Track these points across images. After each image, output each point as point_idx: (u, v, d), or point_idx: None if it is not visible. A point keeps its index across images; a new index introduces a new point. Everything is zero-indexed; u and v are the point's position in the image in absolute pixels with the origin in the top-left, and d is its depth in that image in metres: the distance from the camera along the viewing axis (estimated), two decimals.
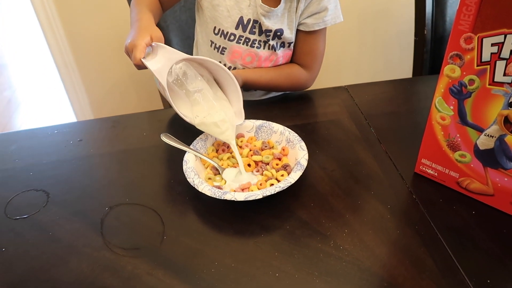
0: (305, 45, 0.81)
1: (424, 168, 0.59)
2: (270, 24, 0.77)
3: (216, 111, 0.62)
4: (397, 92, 0.85)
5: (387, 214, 0.55)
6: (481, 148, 0.51)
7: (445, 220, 0.54)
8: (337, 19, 0.79)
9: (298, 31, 0.80)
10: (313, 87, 0.85)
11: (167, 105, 1.03)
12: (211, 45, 0.82)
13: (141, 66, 0.62)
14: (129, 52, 0.64)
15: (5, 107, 2.28)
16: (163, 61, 0.59)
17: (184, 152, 0.60)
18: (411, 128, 0.70)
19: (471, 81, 0.48)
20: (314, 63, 0.81)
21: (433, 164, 0.57)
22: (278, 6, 0.76)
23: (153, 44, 0.62)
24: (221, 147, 0.63)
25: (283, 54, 0.82)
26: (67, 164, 0.66)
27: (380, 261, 0.49)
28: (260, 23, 0.77)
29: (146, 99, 1.56)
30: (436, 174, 0.58)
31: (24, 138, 0.72)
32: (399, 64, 1.57)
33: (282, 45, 0.80)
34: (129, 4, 0.96)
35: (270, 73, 0.80)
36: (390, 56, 1.64)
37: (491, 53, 0.44)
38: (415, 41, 1.14)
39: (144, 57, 0.60)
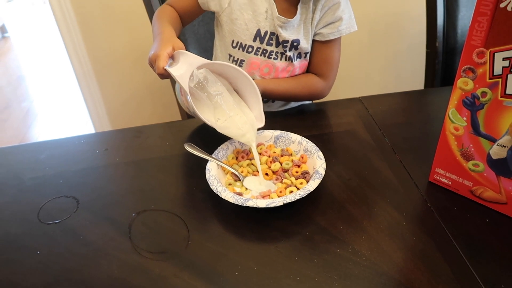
0: (321, 54, 0.84)
1: (438, 177, 0.61)
2: (287, 35, 0.80)
3: (237, 113, 0.64)
4: (410, 103, 0.87)
5: (403, 221, 0.57)
6: (494, 157, 0.53)
7: (459, 227, 0.55)
8: (351, 28, 0.82)
9: (313, 41, 0.83)
10: (328, 98, 0.88)
11: (185, 116, 1.06)
12: (229, 58, 0.85)
13: (164, 75, 0.66)
14: (152, 62, 0.67)
15: (23, 118, 2.35)
16: (185, 67, 0.62)
17: (206, 160, 0.63)
18: (424, 138, 0.72)
19: (484, 94, 0.50)
20: (330, 72, 0.84)
21: (447, 173, 0.59)
22: (294, 17, 0.79)
23: (174, 52, 0.66)
24: (241, 154, 0.66)
25: (299, 65, 0.84)
26: (95, 171, 0.69)
27: (397, 265, 0.51)
28: (277, 34, 0.80)
29: (162, 110, 1.61)
30: (450, 183, 0.60)
31: (53, 147, 0.76)
32: (411, 76, 1.59)
33: (299, 56, 0.83)
34: (150, 19, 1.00)
35: (288, 82, 0.83)
36: (401, 68, 1.67)
37: (503, 67, 0.47)
38: (427, 53, 1.17)
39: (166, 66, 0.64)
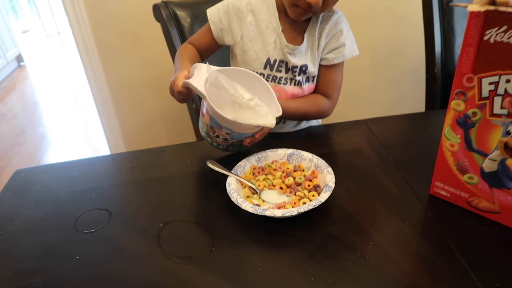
0: (326, 77, 0.92)
1: (437, 190, 0.67)
2: (295, 61, 0.88)
3: (252, 99, 0.72)
4: (412, 124, 0.94)
5: (407, 230, 0.62)
6: (486, 170, 0.59)
7: (458, 235, 0.61)
8: (353, 53, 0.90)
9: (320, 65, 0.91)
10: (334, 120, 0.95)
11: (200, 137, 1.14)
12: None
13: (183, 93, 0.73)
14: (172, 87, 0.75)
15: (39, 143, 2.44)
16: (200, 75, 0.70)
17: (225, 176, 0.70)
18: (425, 156, 0.78)
19: (474, 114, 0.57)
20: (334, 92, 0.92)
21: (445, 186, 0.65)
22: (302, 44, 0.87)
23: (190, 69, 0.74)
24: (257, 170, 0.73)
25: (308, 88, 0.92)
26: (124, 187, 0.76)
27: (402, 269, 0.56)
28: (286, 61, 0.88)
29: (176, 136, 1.68)
30: (448, 195, 0.66)
31: (84, 165, 0.83)
32: (412, 99, 1.66)
33: (307, 80, 0.91)
34: (170, 48, 1.10)
35: (298, 100, 0.90)
36: (403, 91, 1.75)
37: (489, 90, 0.54)
38: (427, 79, 1.24)
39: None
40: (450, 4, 1.10)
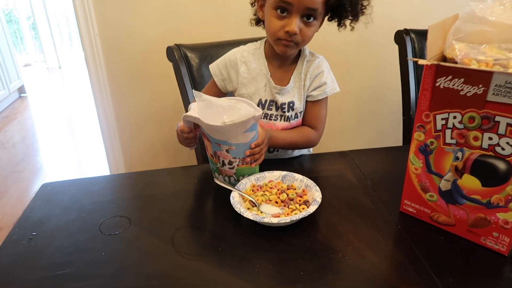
0: (312, 111, 1.07)
1: (406, 207, 0.80)
2: (283, 99, 1.04)
3: (231, 100, 0.89)
4: (389, 155, 1.09)
5: (380, 238, 0.75)
6: (443, 189, 0.73)
7: (422, 243, 0.74)
8: (335, 90, 1.06)
9: (306, 101, 1.06)
10: (322, 150, 1.09)
11: (201, 161, 1.26)
12: None
13: (186, 135, 0.89)
14: (178, 134, 0.91)
15: (38, 171, 2.53)
16: (194, 108, 0.86)
17: (228, 191, 0.82)
18: (397, 180, 0.91)
19: (432, 143, 0.71)
20: (320, 124, 1.07)
21: (412, 203, 0.79)
22: (288, 85, 1.03)
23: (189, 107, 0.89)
24: (256, 187, 0.86)
25: (296, 123, 1.07)
26: (140, 199, 0.87)
27: (376, 267, 0.68)
28: (275, 101, 1.04)
29: (175, 162, 1.81)
30: (414, 211, 0.79)
31: (104, 181, 0.95)
32: (391, 136, 1.85)
33: (296, 116, 1.06)
34: (181, 92, 1.24)
35: (288, 132, 1.05)
36: (383, 129, 1.93)
37: (442, 124, 0.69)
38: (403, 120, 1.41)
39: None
40: (408, 58, 1.29)
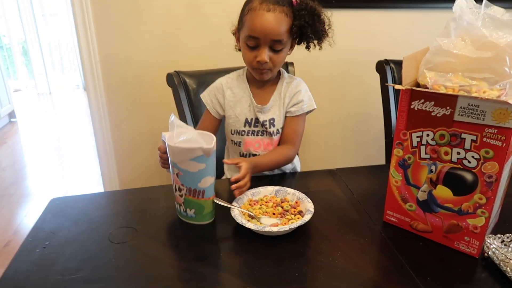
0: (290, 126, 1.17)
1: (388, 217, 0.89)
2: (264, 116, 1.14)
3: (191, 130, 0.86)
4: (373, 173, 1.18)
5: (366, 244, 0.83)
6: (420, 199, 0.82)
7: (404, 249, 0.82)
8: (311, 107, 1.17)
9: (285, 117, 1.17)
10: (312, 168, 1.18)
11: None
12: (231, 143, 1.18)
13: (163, 162, 0.95)
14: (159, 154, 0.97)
15: (28, 194, 2.55)
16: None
17: (227, 208, 0.89)
18: (380, 194, 1.00)
19: (409, 158, 0.81)
20: (297, 139, 1.17)
21: (394, 213, 0.88)
22: (267, 104, 1.14)
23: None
24: (253, 202, 0.93)
25: (277, 139, 1.17)
26: (145, 212, 0.94)
27: (363, 269, 0.76)
28: (258, 118, 1.14)
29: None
30: (396, 220, 0.88)
31: (109, 196, 1.02)
32: (376, 158, 1.95)
33: (278, 131, 1.16)
34: (180, 116, 1.33)
35: (269, 155, 1.13)
36: (368, 155, 2.04)
37: (417, 141, 0.79)
38: (386, 142, 1.52)
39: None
40: (386, 84, 1.42)
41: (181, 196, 0.88)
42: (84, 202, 0.98)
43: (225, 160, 1.02)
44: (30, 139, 3.47)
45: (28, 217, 2.27)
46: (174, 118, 0.86)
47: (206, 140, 0.84)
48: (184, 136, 0.83)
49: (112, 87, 1.71)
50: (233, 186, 0.92)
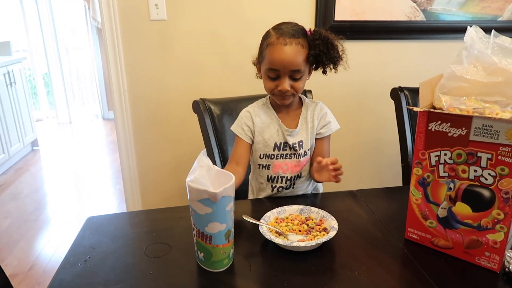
0: (321, 147, 1.24)
1: (410, 234, 0.93)
2: (294, 139, 1.20)
3: (209, 168, 0.83)
4: (391, 193, 1.23)
5: (389, 260, 0.87)
6: (440, 216, 0.87)
7: (426, 264, 0.85)
8: (337, 127, 1.25)
9: (316, 139, 1.23)
10: (333, 190, 1.23)
11: None
12: (259, 167, 1.24)
13: None
14: None
15: (51, 219, 2.62)
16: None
17: (255, 225, 0.95)
18: (400, 214, 1.04)
19: (428, 176, 0.86)
20: (328, 156, 1.23)
21: (415, 230, 0.92)
22: (297, 127, 1.20)
23: None
24: (279, 220, 0.98)
25: (304, 160, 1.23)
26: (177, 229, 1.00)
27: (387, 282, 0.80)
28: (287, 142, 1.20)
29: None
30: (417, 237, 0.92)
31: (142, 214, 1.07)
32: (393, 178, 1.99)
33: (305, 153, 1.22)
34: (205, 140, 1.41)
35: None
36: (384, 179, 2.07)
37: (435, 161, 0.84)
38: (402, 167, 1.57)
39: None
40: (407, 107, 1.48)
41: (194, 236, 0.85)
42: (119, 220, 1.04)
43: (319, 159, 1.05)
44: (51, 167, 3.58)
45: (50, 242, 2.33)
46: (202, 154, 0.83)
47: (220, 183, 0.80)
48: (194, 176, 0.79)
49: (138, 114, 1.80)
50: (332, 166, 1.00)
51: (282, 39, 1.10)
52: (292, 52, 1.09)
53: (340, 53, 1.16)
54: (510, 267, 0.79)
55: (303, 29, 1.14)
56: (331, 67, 1.16)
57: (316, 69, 1.20)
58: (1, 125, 3.27)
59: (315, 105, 1.25)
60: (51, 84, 4.82)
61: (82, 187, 3.15)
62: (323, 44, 1.11)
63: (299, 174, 1.24)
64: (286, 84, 1.12)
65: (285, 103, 1.19)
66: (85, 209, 2.76)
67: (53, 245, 2.30)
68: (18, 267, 2.10)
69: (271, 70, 1.12)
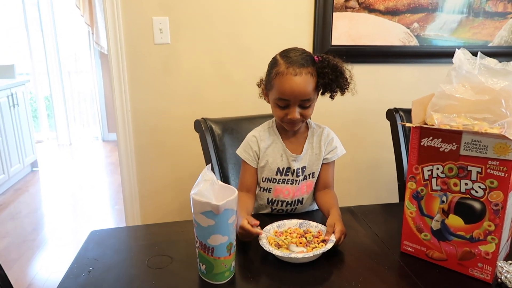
0: (326, 172, 1.24)
1: (405, 247, 0.96)
2: (297, 165, 1.22)
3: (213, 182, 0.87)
4: (388, 209, 1.26)
5: (386, 271, 0.89)
6: (434, 229, 0.90)
7: (421, 275, 0.88)
8: (342, 152, 1.25)
9: (322, 164, 1.24)
10: None
11: None
12: (260, 190, 1.26)
13: (244, 232, 0.97)
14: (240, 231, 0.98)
15: (50, 239, 2.62)
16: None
17: (256, 237, 0.97)
18: (396, 228, 1.07)
19: (422, 190, 0.90)
20: (332, 181, 1.25)
21: (410, 243, 0.95)
22: (302, 153, 1.22)
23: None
24: (278, 233, 1.01)
25: (306, 184, 1.24)
26: (178, 242, 1.02)
27: None
28: (290, 167, 1.22)
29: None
30: (413, 250, 0.95)
31: (144, 228, 1.10)
32: (389, 199, 2.02)
33: (305, 178, 1.23)
34: (206, 159, 1.44)
35: (334, 203, 1.16)
36: (381, 196, 2.10)
37: (428, 175, 0.88)
38: (398, 185, 1.60)
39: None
40: (400, 123, 1.52)
41: (196, 248, 0.87)
42: (121, 233, 1.07)
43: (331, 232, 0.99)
44: (50, 188, 3.59)
45: (48, 262, 2.33)
46: (207, 168, 0.87)
47: (223, 196, 0.82)
48: (198, 189, 0.82)
49: (141, 134, 1.85)
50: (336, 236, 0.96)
51: (292, 69, 1.08)
52: (302, 82, 1.09)
53: (349, 80, 1.16)
54: (502, 278, 0.82)
55: (311, 56, 1.14)
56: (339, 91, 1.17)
57: (323, 93, 1.19)
58: (3, 146, 3.31)
59: (322, 131, 1.25)
60: (52, 106, 4.89)
61: (81, 208, 3.16)
62: (332, 72, 1.11)
63: (301, 200, 1.24)
64: (296, 113, 1.12)
65: (294, 129, 1.20)
66: (83, 230, 2.76)
67: (51, 265, 2.30)
68: (16, 285, 2.09)
69: (281, 99, 1.12)
